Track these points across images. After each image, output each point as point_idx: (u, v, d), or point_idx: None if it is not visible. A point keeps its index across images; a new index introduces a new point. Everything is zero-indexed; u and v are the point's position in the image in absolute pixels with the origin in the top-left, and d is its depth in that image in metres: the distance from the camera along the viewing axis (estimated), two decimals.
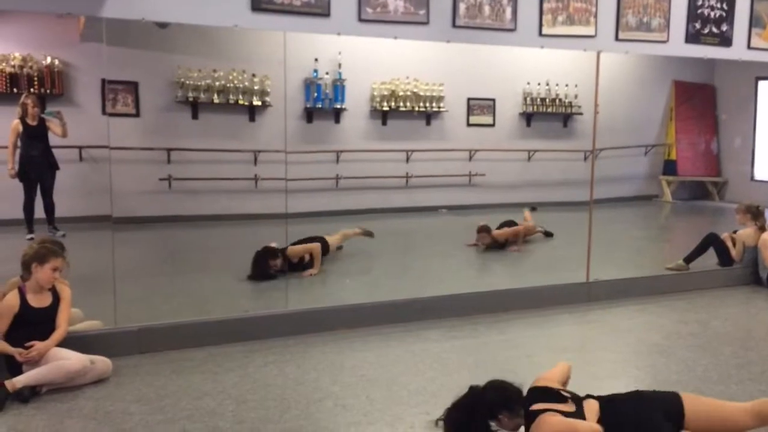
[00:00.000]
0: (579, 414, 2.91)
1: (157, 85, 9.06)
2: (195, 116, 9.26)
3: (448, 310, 5.14)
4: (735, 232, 6.67)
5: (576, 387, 3.82)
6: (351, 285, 6.21)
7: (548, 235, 8.40)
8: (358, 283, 6.20)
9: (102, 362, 3.80)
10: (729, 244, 6.57)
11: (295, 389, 3.71)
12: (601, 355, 4.42)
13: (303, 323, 4.69)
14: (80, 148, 8.50)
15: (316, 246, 6.45)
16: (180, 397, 3.57)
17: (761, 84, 11.69)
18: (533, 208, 8.91)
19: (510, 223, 7.95)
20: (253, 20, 4.43)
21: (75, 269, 4.09)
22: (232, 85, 9.24)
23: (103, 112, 8.53)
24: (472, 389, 3.00)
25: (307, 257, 6.38)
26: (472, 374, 4.00)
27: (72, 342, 3.86)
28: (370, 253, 7.33)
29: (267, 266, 6.06)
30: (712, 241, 6.58)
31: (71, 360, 3.65)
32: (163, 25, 7.84)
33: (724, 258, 6.53)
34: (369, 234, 7.37)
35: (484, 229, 7.72)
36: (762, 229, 6.41)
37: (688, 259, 6.50)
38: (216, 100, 9.21)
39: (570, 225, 7.99)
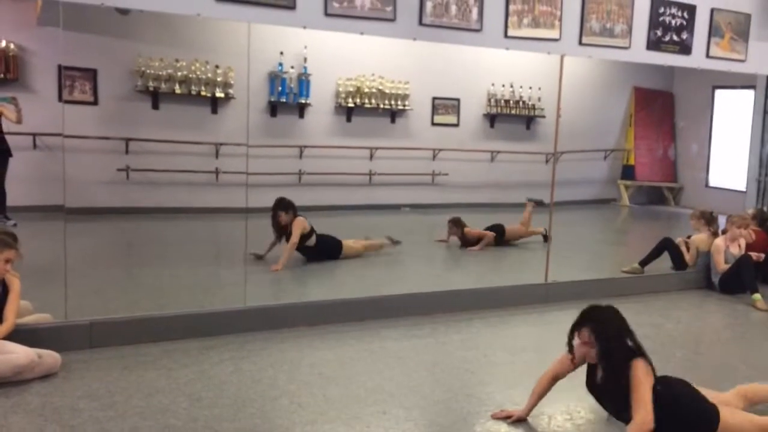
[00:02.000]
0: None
1: (117, 73, 8.84)
2: (155, 106, 9.06)
3: (408, 309, 5.13)
4: (689, 237, 6.83)
5: (532, 387, 3.86)
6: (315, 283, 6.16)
7: (546, 238, 8.24)
8: (319, 281, 6.15)
9: (50, 356, 3.68)
10: (683, 248, 6.72)
11: (250, 387, 3.66)
12: (557, 356, 4.45)
13: (261, 320, 4.62)
14: (34, 135, 8.24)
15: (292, 245, 6.40)
16: (132, 394, 3.48)
17: (718, 93, 12.00)
18: (540, 202, 8.08)
19: (496, 228, 7.87)
20: (217, 10, 4.35)
21: (25, 260, 3.96)
22: (194, 75, 9.08)
23: (60, 99, 8.29)
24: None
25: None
26: (430, 373, 4.01)
27: (20, 335, 3.73)
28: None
29: (278, 216, 6.41)
30: (666, 246, 6.72)
31: (18, 354, 3.53)
32: (124, 12, 7.66)
33: (678, 262, 6.68)
34: (395, 242, 7.25)
35: (454, 222, 7.73)
36: (715, 234, 6.58)
37: (644, 263, 6.63)
38: (177, 91, 9.03)
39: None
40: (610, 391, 3.20)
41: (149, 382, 3.65)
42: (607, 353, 3.15)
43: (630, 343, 3.18)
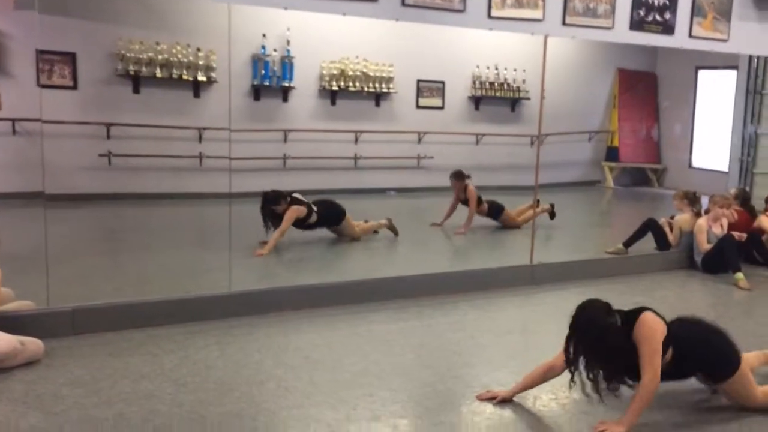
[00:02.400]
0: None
1: (96, 56, 8.69)
2: (136, 90, 8.94)
3: (395, 292, 5.13)
4: (672, 217, 6.88)
5: (518, 368, 3.90)
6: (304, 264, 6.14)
7: (552, 215, 8.18)
8: (305, 265, 6.14)
9: (33, 344, 3.64)
10: (666, 229, 6.77)
11: (236, 371, 3.64)
12: (543, 337, 4.49)
13: (247, 304, 4.60)
14: (13, 120, 8.11)
15: (281, 231, 6.33)
16: (116, 380, 3.45)
17: (701, 73, 12.05)
18: (551, 212, 8.11)
19: (496, 205, 7.96)
20: None
21: (6, 247, 3.90)
22: (175, 59, 8.95)
23: (38, 83, 8.15)
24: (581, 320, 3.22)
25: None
26: (417, 356, 4.02)
27: (1, 323, 3.67)
28: (317, 233, 7.25)
29: (267, 210, 6.43)
30: (650, 226, 6.76)
31: (0, 341, 3.48)
32: None
33: (662, 243, 6.72)
34: (393, 229, 7.22)
35: (456, 176, 7.81)
36: (698, 215, 6.63)
37: (627, 244, 6.67)
38: (159, 75, 8.91)
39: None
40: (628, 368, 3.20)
41: (134, 367, 3.62)
42: (598, 358, 3.15)
43: (618, 319, 3.19)
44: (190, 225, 8.02)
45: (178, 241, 6.92)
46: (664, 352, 3.15)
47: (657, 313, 3.24)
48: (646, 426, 3.16)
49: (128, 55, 8.69)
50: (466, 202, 7.89)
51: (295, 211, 6.51)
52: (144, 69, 8.81)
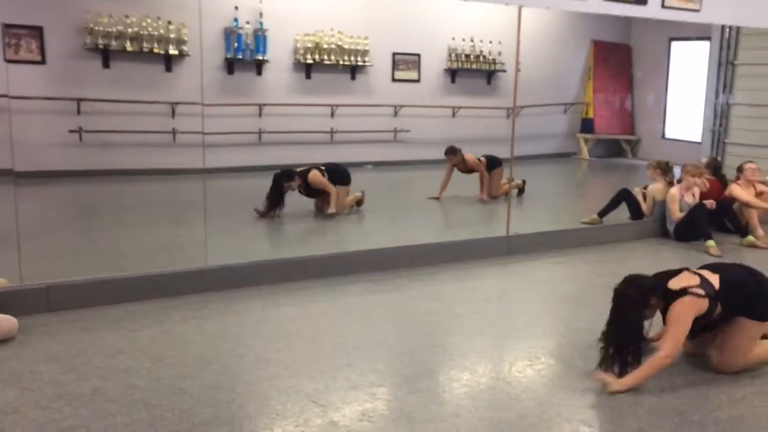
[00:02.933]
0: (705, 281, 3.37)
1: (64, 30, 8.49)
2: (106, 65, 8.76)
3: (373, 264, 5.15)
4: (646, 187, 6.96)
5: (495, 336, 3.95)
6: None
7: (521, 191, 8.40)
8: (282, 239, 6.12)
9: (7, 321, 3.60)
10: (640, 198, 6.86)
11: (215, 345, 3.64)
12: (519, 306, 4.56)
13: (224, 279, 4.59)
14: None
15: (333, 190, 6.81)
16: (92, 356, 3.43)
17: (674, 45, 12.14)
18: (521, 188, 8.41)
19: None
20: None
21: None
22: (146, 32, 8.78)
23: (5, 58, 7.94)
24: (616, 294, 3.36)
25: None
26: (395, 326, 4.06)
27: None
28: (294, 208, 7.23)
29: (282, 187, 6.63)
30: (624, 196, 6.84)
31: None
32: None
33: (635, 212, 6.81)
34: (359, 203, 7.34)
35: (450, 151, 7.94)
36: (670, 184, 6.72)
37: (602, 213, 6.75)
38: (129, 48, 8.73)
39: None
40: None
41: (110, 343, 3.60)
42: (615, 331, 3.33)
43: (653, 298, 3.34)
44: (164, 201, 7.94)
45: (152, 217, 6.85)
46: (713, 310, 3.33)
47: (704, 289, 3.33)
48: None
49: (97, 28, 8.51)
50: (469, 171, 8.06)
51: (318, 174, 6.81)
52: (113, 43, 8.63)
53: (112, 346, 3.56)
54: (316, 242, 6.22)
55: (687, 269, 3.52)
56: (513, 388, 3.24)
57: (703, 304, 3.31)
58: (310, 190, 6.91)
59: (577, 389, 3.23)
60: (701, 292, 3.32)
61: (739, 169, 6.93)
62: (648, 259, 5.91)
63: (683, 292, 3.31)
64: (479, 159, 8.10)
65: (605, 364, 3.31)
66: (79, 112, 8.57)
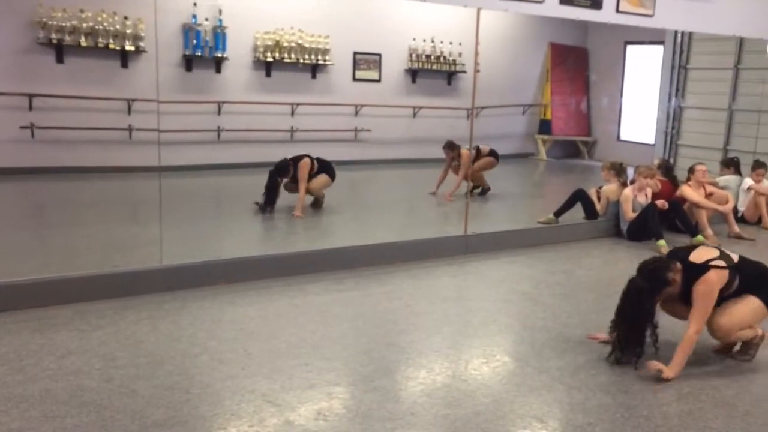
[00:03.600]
0: (724, 254, 3.54)
1: (15, 24, 8.26)
2: (60, 60, 8.55)
3: (332, 263, 5.15)
4: (600, 187, 7.11)
5: (451, 334, 3.99)
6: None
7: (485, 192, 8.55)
8: (239, 237, 6.06)
9: None
10: (594, 198, 7.00)
11: (169, 345, 3.59)
12: (475, 304, 4.61)
13: (180, 278, 4.53)
14: None
15: (304, 192, 6.87)
16: (42, 357, 3.35)
17: (629, 48, 12.42)
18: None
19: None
20: None
21: None
22: (101, 27, 8.60)
23: None
24: (630, 285, 3.51)
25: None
26: (353, 325, 4.06)
27: None
28: (253, 206, 7.17)
29: (276, 182, 6.80)
30: (579, 197, 6.97)
31: None
32: None
33: (590, 212, 6.95)
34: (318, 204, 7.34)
35: (449, 146, 8.13)
36: (624, 185, 6.88)
37: (558, 213, 6.86)
38: (84, 43, 8.54)
39: (452, 180, 8.20)
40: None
41: (61, 344, 3.53)
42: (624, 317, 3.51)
43: (671, 274, 3.46)
44: (119, 199, 7.79)
45: (106, 215, 6.71)
46: (731, 283, 3.47)
47: (724, 260, 3.49)
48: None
49: (50, 22, 8.30)
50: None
51: (306, 165, 6.87)
52: (68, 37, 8.43)
53: (62, 347, 3.48)
54: (275, 241, 6.18)
55: (703, 245, 3.74)
56: (468, 386, 3.28)
57: (725, 276, 3.45)
58: (294, 175, 6.98)
59: (530, 386, 3.29)
60: (723, 263, 3.47)
61: (690, 171, 7.14)
62: (602, 258, 6.05)
63: (706, 266, 3.45)
64: (485, 154, 8.27)
65: (621, 352, 3.50)
66: (31, 108, 8.35)
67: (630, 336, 3.49)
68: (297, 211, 6.77)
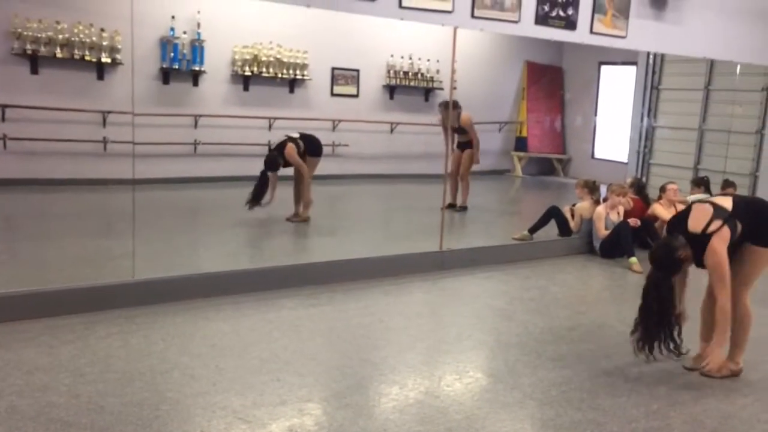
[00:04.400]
0: (717, 208, 3.57)
1: None
2: (34, 71, 8.46)
3: (306, 278, 5.14)
4: (574, 205, 7.20)
5: (425, 350, 4.00)
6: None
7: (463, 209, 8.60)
8: (214, 251, 6.02)
9: None
10: (568, 216, 7.08)
11: (140, 361, 3.55)
12: (450, 320, 4.63)
13: (152, 293, 4.48)
14: None
15: (306, 169, 7.14)
16: (8, 372, 3.29)
17: (604, 68, 12.63)
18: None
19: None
20: None
21: None
22: (77, 39, 8.53)
23: None
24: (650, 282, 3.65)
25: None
26: (327, 340, 4.05)
27: None
28: (230, 220, 7.14)
29: (267, 181, 7.01)
30: (553, 214, 7.05)
31: None
32: None
33: (564, 229, 7.03)
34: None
35: (446, 105, 8.09)
36: (597, 202, 6.97)
37: (532, 230, 6.93)
38: (59, 55, 8.46)
39: (429, 196, 8.24)
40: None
41: (28, 359, 3.46)
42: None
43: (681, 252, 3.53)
44: (92, 212, 7.69)
45: (79, 228, 6.63)
46: (735, 230, 3.53)
47: (719, 217, 3.53)
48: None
49: (25, 33, 8.21)
50: (461, 130, 8.34)
51: (292, 148, 7.05)
52: (43, 48, 8.36)
53: (30, 363, 3.42)
54: (250, 255, 6.15)
55: (695, 203, 3.77)
56: (441, 402, 3.28)
57: (727, 233, 3.50)
58: (286, 161, 7.11)
59: (503, 402, 3.31)
60: (719, 223, 3.51)
61: (662, 189, 7.26)
62: (575, 274, 6.11)
63: (706, 235, 3.50)
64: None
65: (656, 347, 3.64)
66: (3, 119, 8.24)
67: (661, 329, 3.61)
68: (305, 209, 7.17)
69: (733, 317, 3.61)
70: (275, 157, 7.08)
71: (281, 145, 7.14)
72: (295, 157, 7.05)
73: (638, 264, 6.21)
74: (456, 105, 8.21)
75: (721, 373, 3.68)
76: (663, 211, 6.96)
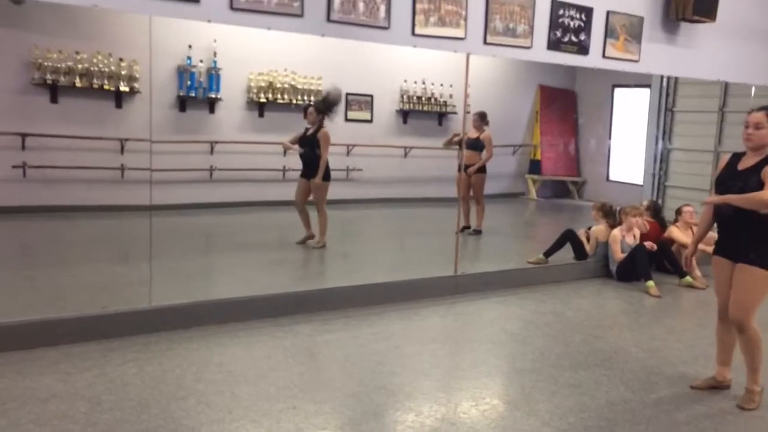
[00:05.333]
0: None
1: (11, 65, 8.34)
2: (54, 100, 8.63)
3: (321, 304, 5.14)
4: (590, 228, 7.16)
5: (441, 376, 3.98)
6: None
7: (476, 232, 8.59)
8: (229, 278, 6.05)
9: None
10: (584, 239, 7.04)
11: (155, 388, 3.56)
12: (465, 346, 4.60)
13: (168, 319, 4.51)
14: None
15: (326, 157, 7.25)
16: (26, 400, 3.32)
17: (617, 91, 12.64)
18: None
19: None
20: (114, 1, 4.19)
21: None
22: (96, 68, 8.70)
23: None
24: None
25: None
26: (342, 367, 4.04)
27: None
28: (245, 246, 7.18)
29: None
30: (568, 237, 7.01)
31: None
32: (18, 1, 7.28)
33: (579, 252, 6.98)
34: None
35: (481, 116, 8.30)
36: (612, 226, 6.93)
37: (548, 253, 6.89)
38: (78, 84, 8.63)
39: (443, 220, 8.24)
40: (750, 177, 3.55)
41: (45, 387, 3.49)
42: None
43: None
44: (109, 238, 7.77)
45: (96, 255, 6.69)
46: None
47: None
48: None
49: (45, 63, 8.39)
50: (474, 146, 8.33)
51: (328, 133, 7.35)
52: (62, 78, 8.52)
53: (47, 390, 3.45)
54: (264, 281, 6.15)
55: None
56: (457, 429, 3.26)
57: None
58: (313, 144, 7.26)
59: (519, 430, 3.27)
60: None
61: (678, 212, 7.21)
62: (591, 298, 6.06)
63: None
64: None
65: None
66: (24, 148, 8.39)
67: None
68: (321, 238, 7.21)
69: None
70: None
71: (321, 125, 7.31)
72: (328, 139, 7.31)
73: (655, 287, 6.15)
74: (484, 117, 8.34)
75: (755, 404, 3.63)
76: (679, 234, 6.91)
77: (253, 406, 3.39)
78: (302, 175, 7.38)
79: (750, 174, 3.55)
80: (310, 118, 7.31)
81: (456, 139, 8.26)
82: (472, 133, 8.32)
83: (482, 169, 8.56)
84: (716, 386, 3.86)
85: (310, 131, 7.25)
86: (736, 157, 3.71)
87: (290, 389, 3.64)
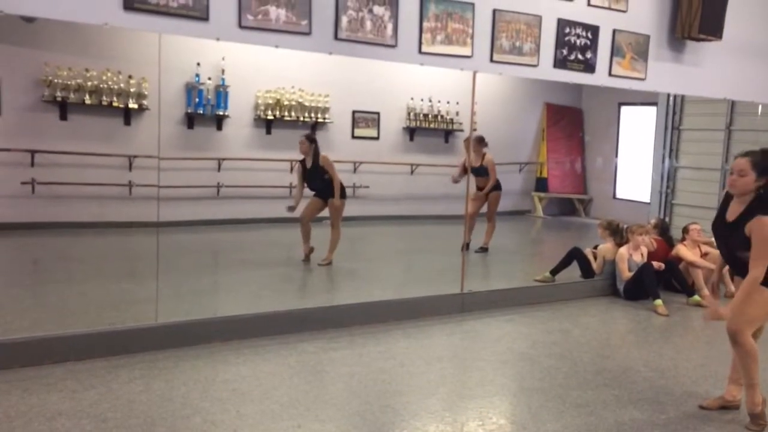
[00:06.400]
0: None
1: (22, 82, 8.42)
2: (63, 117, 8.70)
3: (327, 321, 5.13)
4: (596, 246, 7.14)
5: (447, 395, 3.95)
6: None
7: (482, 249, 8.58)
8: (235, 295, 6.05)
9: None
10: (591, 257, 7.02)
11: (161, 406, 3.55)
12: (471, 364, 4.58)
13: (174, 336, 4.50)
14: None
15: (338, 177, 7.42)
16: (32, 418, 3.31)
17: (624, 109, 12.64)
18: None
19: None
20: (125, 19, 4.23)
21: None
22: (105, 85, 8.78)
23: None
24: None
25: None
26: (347, 385, 4.02)
27: None
28: (252, 263, 7.19)
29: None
30: (575, 255, 6.99)
31: None
32: (29, 20, 7.34)
33: (586, 271, 6.96)
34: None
35: (480, 140, 8.34)
36: (619, 244, 6.90)
37: (554, 272, 6.87)
38: (88, 101, 8.70)
39: (449, 237, 8.23)
40: (735, 230, 3.50)
41: (51, 404, 3.48)
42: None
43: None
44: (117, 255, 7.80)
45: (103, 271, 6.72)
46: None
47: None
48: None
49: (55, 81, 8.48)
50: (479, 172, 8.31)
51: (328, 157, 7.51)
52: (72, 95, 8.60)
53: (52, 408, 3.44)
54: (270, 298, 6.15)
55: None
56: None
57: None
58: (321, 173, 7.33)
59: None
60: None
61: (685, 230, 7.17)
62: (599, 317, 6.02)
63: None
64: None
65: None
66: (33, 164, 8.45)
67: None
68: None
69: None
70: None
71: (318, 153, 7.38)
72: (330, 162, 7.44)
73: (663, 306, 6.11)
74: (482, 141, 8.27)
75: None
76: (687, 252, 6.88)
77: (258, 425, 3.38)
78: (316, 195, 7.39)
79: (733, 229, 3.55)
80: (302, 148, 7.32)
81: (461, 169, 8.27)
82: (475, 161, 8.31)
83: (497, 187, 8.56)
84: (726, 406, 3.82)
85: (310, 164, 7.27)
86: (729, 197, 3.70)
87: (295, 407, 3.62)
